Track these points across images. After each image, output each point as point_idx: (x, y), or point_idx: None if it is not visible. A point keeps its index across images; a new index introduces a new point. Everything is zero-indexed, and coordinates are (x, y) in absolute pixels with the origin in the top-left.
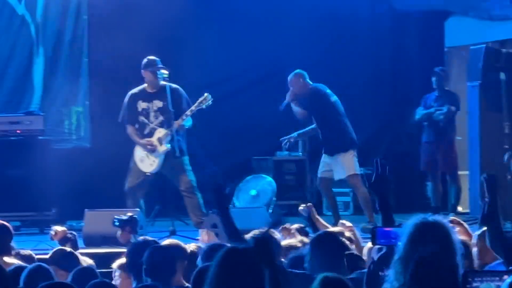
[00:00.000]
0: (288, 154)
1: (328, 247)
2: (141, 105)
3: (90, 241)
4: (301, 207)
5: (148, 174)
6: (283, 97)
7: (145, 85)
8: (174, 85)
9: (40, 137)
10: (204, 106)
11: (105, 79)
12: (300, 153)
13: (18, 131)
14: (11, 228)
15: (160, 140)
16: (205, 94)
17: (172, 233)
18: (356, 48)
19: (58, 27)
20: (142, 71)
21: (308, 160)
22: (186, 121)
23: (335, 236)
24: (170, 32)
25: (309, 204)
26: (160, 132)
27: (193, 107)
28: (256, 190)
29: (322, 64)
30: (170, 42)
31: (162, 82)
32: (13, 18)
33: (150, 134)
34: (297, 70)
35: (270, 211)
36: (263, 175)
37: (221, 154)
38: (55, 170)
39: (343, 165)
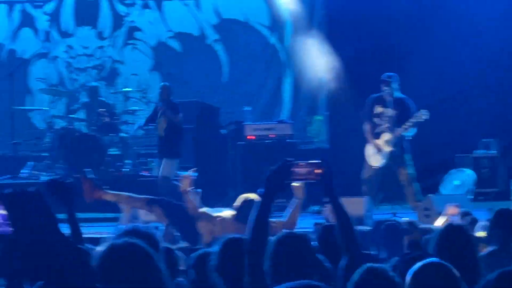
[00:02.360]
0: (485, 152)
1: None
2: (378, 109)
3: None
4: None
5: (376, 168)
6: (481, 104)
7: (384, 92)
8: (404, 97)
9: (288, 140)
10: (422, 120)
11: (340, 94)
12: (495, 151)
13: (271, 136)
14: None
15: (386, 143)
16: (422, 111)
17: (394, 215)
18: None
19: (302, 54)
20: (381, 84)
21: (500, 156)
22: (408, 131)
23: (462, 229)
24: (396, 47)
25: None
26: (386, 136)
27: (411, 121)
28: (458, 181)
29: None
30: (396, 55)
31: (397, 94)
32: (266, 47)
33: (379, 135)
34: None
35: (470, 197)
36: (464, 169)
37: (430, 151)
38: None
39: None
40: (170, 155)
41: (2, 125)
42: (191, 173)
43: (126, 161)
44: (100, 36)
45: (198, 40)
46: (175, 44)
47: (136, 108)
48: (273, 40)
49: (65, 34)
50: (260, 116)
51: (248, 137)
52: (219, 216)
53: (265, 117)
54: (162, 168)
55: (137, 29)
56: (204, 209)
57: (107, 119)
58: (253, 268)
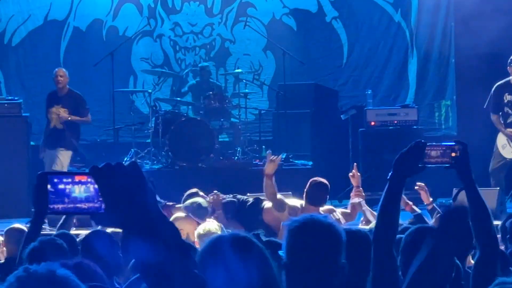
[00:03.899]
0: None
1: None
2: (507, 97)
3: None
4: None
5: (508, 159)
6: None
7: (511, 78)
8: None
9: (414, 127)
10: None
11: (471, 76)
12: None
13: (395, 122)
14: None
15: None
16: None
17: None
18: None
19: (429, 33)
20: (508, 67)
21: None
22: None
23: None
24: None
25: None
26: None
27: None
28: None
29: None
30: None
31: None
32: (390, 25)
33: (511, 124)
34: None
35: None
36: None
37: None
38: None
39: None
40: (67, 146)
41: (104, 109)
42: (279, 158)
43: (237, 148)
44: (210, 13)
45: (316, 17)
46: (290, 22)
47: (248, 91)
48: (397, 17)
49: (171, 11)
50: (383, 100)
51: (370, 123)
52: (292, 205)
53: (388, 102)
54: (57, 159)
55: (250, 5)
56: (280, 196)
57: (216, 103)
58: (380, 260)
